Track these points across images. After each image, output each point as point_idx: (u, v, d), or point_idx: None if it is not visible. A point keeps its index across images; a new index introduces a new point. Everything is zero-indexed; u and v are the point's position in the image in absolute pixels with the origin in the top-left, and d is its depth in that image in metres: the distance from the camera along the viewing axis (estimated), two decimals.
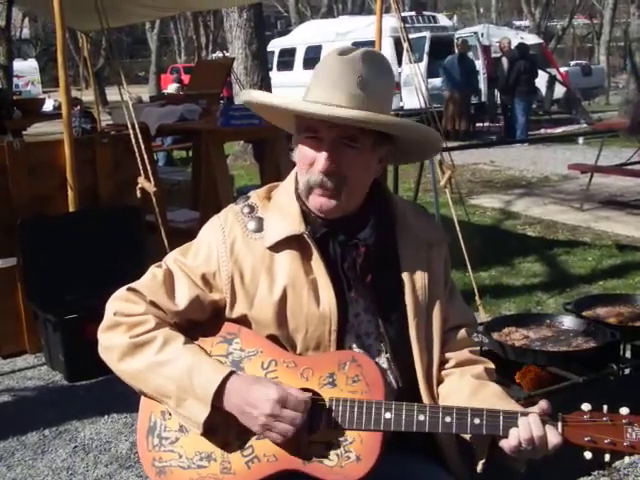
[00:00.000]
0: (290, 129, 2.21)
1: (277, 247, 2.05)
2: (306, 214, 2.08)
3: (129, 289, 2.09)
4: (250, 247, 2.06)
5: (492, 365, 2.23)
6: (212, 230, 2.12)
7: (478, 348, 2.25)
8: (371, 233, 2.09)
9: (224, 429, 1.98)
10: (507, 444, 1.89)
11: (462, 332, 2.20)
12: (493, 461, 2.00)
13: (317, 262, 2.04)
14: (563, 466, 2.79)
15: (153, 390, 2.01)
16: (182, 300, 2.05)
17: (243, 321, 2.07)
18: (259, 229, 2.08)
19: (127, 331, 2.02)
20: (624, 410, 1.85)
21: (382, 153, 2.08)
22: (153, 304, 2.05)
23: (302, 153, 2.02)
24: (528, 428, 1.85)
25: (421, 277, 2.13)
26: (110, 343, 2.05)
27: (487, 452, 1.99)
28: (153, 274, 2.10)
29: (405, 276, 2.11)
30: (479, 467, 2.02)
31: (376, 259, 2.09)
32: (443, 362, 2.16)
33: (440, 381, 2.15)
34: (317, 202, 2.02)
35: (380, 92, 2.01)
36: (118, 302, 2.08)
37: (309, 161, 2.00)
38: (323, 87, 1.97)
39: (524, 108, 17.09)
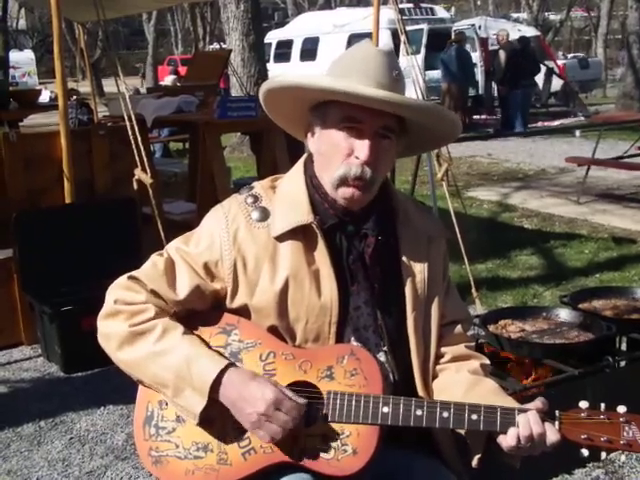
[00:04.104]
0: (289, 123, 2.22)
1: (282, 237, 2.04)
2: (316, 204, 2.08)
3: (130, 277, 2.08)
4: (253, 236, 2.05)
5: (487, 360, 2.23)
6: (215, 219, 2.11)
7: (473, 344, 2.26)
8: (375, 226, 2.09)
9: (221, 420, 1.98)
10: (505, 441, 1.89)
11: (458, 327, 2.20)
12: (489, 456, 2.00)
13: (322, 253, 2.04)
14: (558, 458, 2.80)
15: (151, 379, 2.00)
16: (183, 289, 2.05)
17: (243, 311, 2.07)
18: (263, 219, 2.07)
19: (127, 319, 2.02)
20: (621, 408, 1.85)
21: (400, 147, 2.10)
22: (154, 293, 2.04)
23: (337, 143, 2.00)
24: (528, 425, 1.86)
25: (421, 271, 2.13)
26: (109, 331, 2.05)
27: (483, 447, 1.99)
28: (154, 263, 2.10)
29: (405, 270, 2.11)
30: (474, 462, 2.02)
31: (379, 252, 2.09)
32: (439, 357, 2.16)
33: (435, 376, 2.15)
34: (349, 193, 2.01)
35: (405, 87, 2.05)
36: (119, 290, 2.07)
37: (346, 152, 1.99)
38: (360, 76, 1.95)
39: (520, 101, 17.09)
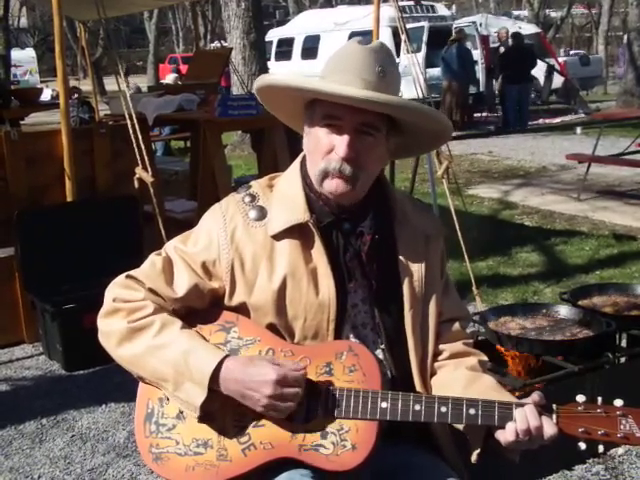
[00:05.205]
0: (290, 119, 2.23)
1: (279, 235, 2.06)
2: (312, 202, 2.09)
3: (128, 276, 2.10)
4: (251, 235, 2.07)
5: (485, 357, 2.25)
6: (213, 218, 2.13)
7: (472, 340, 2.27)
8: (371, 224, 2.10)
9: (221, 416, 1.99)
10: (503, 436, 1.90)
11: (456, 325, 2.21)
12: (488, 451, 2.01)
13: (319, 251, 2.05)
14: (558, 454, 2.81)
15: (151, 374, 2.02)
16: (181, 288, 2.07)
17: (242, 309, 2.08)
18: (260, 218, 2.08)
19: (126, 317, 2.04)
20: (618, 402, 1.87)
21: (392, 145, 2.10)
22: (152, 291, 2.06)
23: (319, 140, 2.02)
24: (525, 419, 1.86)
25: (418, 269, 2.14)
26: (109, 329, 2.07)
27: (482, 442, 2.00)
28: (152, 262, 2.12)
29: (402, 268, 2.12)
30: (473, 457, 2.03)
31: (376, 250, 2.11)
32: (437, 354, 2.17)
33: (434, 373, 2.16)
34: (332, 185, 2.02)
35: (396, 83, 2.05)
36: (117, 288, 2.09)
37: (327, 148, 2.00)
38: (344, 74, 1.97)
39: (516, 96, 17.13)
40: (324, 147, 2.01)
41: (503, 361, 3.75)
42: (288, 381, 1.90)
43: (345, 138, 1.97)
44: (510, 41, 17.53)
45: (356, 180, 2.02)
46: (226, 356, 1.97)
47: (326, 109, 1.99)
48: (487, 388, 2.06)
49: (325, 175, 2.02)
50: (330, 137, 2.00)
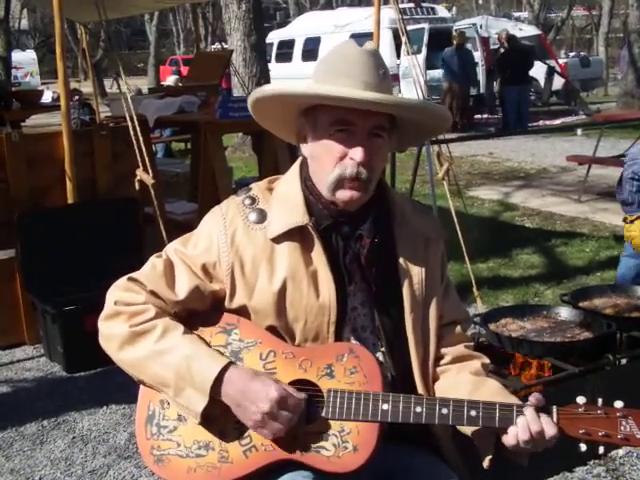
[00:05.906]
0: (282, 130, 2.22)
1: (279, 238, 2.05)
2: (311, 205, 2.09)
3: (130, 279, 2.10)
4: (251, 238, 2.06)
5: (487, 360, 2.24)
6: (213, 220, 2.13)
7: (472, 343, 2.27)
8: (371, 227, 2.10)
9: (222, 418, 1.99)
10: (507, 441, 1.90)
11: (457, 328, 2.21)
12: (496, 455, 2.01)
13: (318, 254, 2.05)
14: (559, 456, 2.81)
15: (152, 379, 2.02)
16: (182, 290, 2.06)
17: (242, 312, 2.08)
18: (260, 220, 2.08)
19: (127, 320, 2.03)
20: (618, 403, 1.87)
21: (394, 142, 2.11)
22: (153, 294, 2.05)
23: (330, 147, 2.00)
24: (526, 427, 1.86)
25: (418, 272, 2.13)
26: (110, 332, 2.06)
27: (494, 448, 1.99)
28: (153, 264, 2.11)
29: (402, 271, 2.12)
30: (485, 463, 2.01)
31: (376, 253, 2.10)
32: (439, 357, 2.17)
33: (436, 378, 2.16)
34: (347, 195, 2.02)
35: (391, 84, 2.05)
36: (119, 291, 2.09)
37: (340, 154, 1.99)
38: (348, 78, 1.96)
39: (516, 98, 17.14)
40: (337, 153, 1.99)
41: (504, 363, 3.75)
42: (287, 404, 1.89)
43: (361, 143, 1.97)
44: (506, 44, 17.50)
45: (369, 183, 2.02)
46: (229, 363, 1.97)
47: (336, 115, 1.97)
48: (493, 393, 2.05)
49: (340, 184, 2.01)
50: (342, 143, 1.99)
